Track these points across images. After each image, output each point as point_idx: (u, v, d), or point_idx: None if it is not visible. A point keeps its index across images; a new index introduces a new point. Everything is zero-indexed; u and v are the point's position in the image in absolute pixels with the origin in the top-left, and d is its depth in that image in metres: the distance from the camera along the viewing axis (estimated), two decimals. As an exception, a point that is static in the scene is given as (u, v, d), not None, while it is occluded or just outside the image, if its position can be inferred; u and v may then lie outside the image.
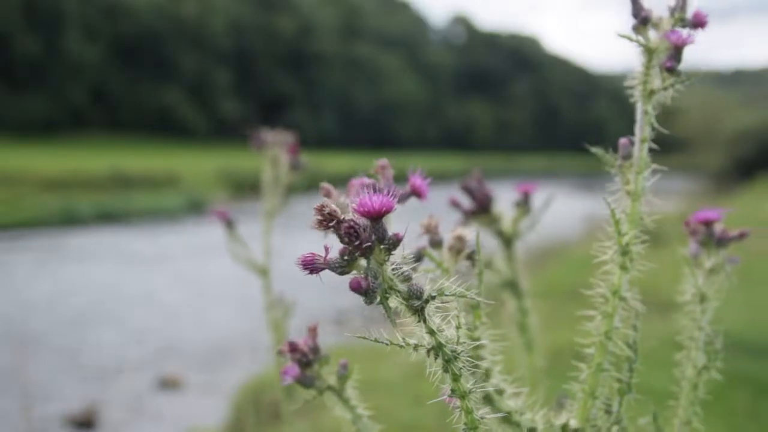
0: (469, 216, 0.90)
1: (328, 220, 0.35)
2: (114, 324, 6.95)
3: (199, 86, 43.05)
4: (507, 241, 0.93)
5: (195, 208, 17.58)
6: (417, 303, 0.40)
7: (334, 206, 0.35)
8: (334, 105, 50.38)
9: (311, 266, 0.36)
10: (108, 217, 15.22)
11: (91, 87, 38.16)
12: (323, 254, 0.37)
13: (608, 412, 0.72)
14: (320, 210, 0.35)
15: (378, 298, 0.38)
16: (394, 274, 0.38)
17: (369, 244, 0.35)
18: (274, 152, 1.10)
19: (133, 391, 5.02)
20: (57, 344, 6.13)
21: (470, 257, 0.68)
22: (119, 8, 39.44)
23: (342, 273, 0.37)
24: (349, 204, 0.38)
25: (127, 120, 40.28)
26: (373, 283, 0.37)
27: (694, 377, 0.70)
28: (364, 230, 0.35)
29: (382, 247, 0.36)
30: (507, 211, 0.90)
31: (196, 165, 24.11)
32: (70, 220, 14.29)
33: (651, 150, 0.57)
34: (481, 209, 0.86)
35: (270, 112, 44.69)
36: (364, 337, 0.40)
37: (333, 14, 53.12)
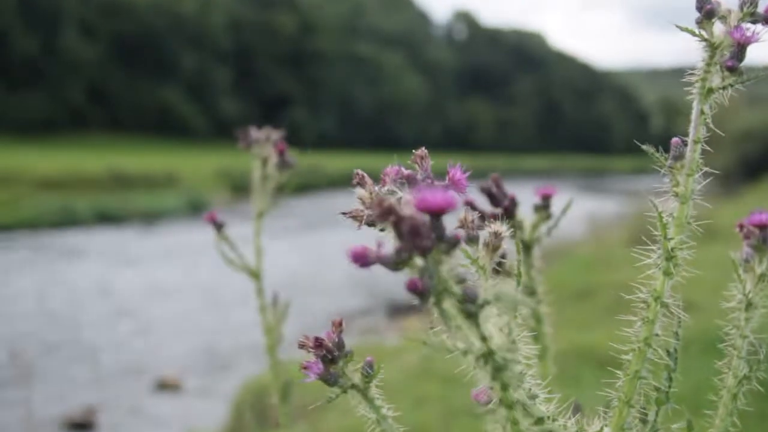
0: (490, 219, 0.87)
1: (387, 214, 0.32)
2: (112, 325, 6.91)
3: (199, 85, 43.04)
4: (526, 246, 0.90)
5: (194, 209, 17.53)
6: (472, 307, 0.37)
7: (393, 199, 0.33)
8: (334, 104, 50.32)
9: (362, 260, 0.34)
10: (106, 217, 15.17)
11: (90, 86, 38.12)
12: (375, 248, 0.34)
13: (644, 421, 0.69)
14: (379, 204, 0.32)
15: (432, 300, 0.36)
16: (449, 275, 0.36)
17: (430, 242, 0.32)
18: (263, 150, 1.08)
19: (132, 393, 4.98)
20: (55, 345, 6.09)
21: (502, 256, 0.65)
22: (118, 6, 39.39)
23: (395, 270, 0.35)
24: (399, 196, 0.36)
25: (126, 119, 40.25)
26: (429, 284, 0.34)
27: (734, 387, 0.67)
28: (426, 227, 0.32)
29: (440, 246, 0.34)
30: (525, 215, 0.87)
31: (196, 165, 24.07)
32: (68, 220, 14.23)
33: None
34: (507, 214, 0.82)
35: (270, 111, 44.66)
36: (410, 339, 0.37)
37: (334, 12, 52.95)
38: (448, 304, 0.36)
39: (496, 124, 63.06)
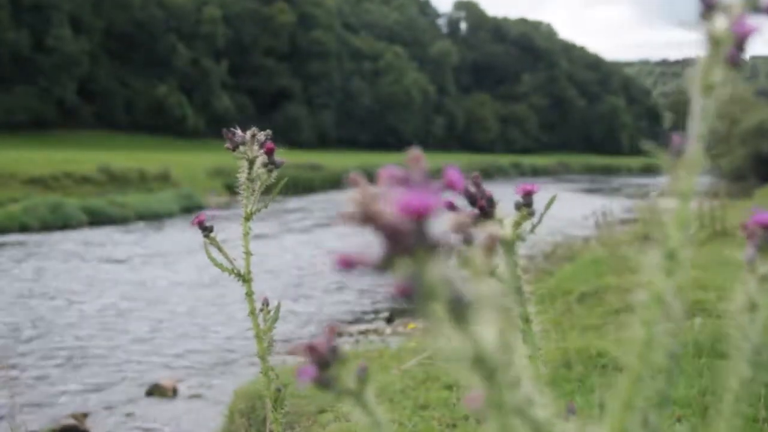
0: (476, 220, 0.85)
1: (369, 218, 0.31)
2: (104, 328, 6.85)
3: (193, 81, 42.70)
4: (508, 246, 0.89)
5: (189, 207, 17.45)
6: (458, 309, 0.36)
7: (376, 203, 0.32)
8: (333, 100, 49.85)
9: (347, 264, 0.33)
10: (98, 216, 15.07)
11: (81, 82, 37.74)
12: (359, 252, 0.34)
13: (644, 424, 0.68)
14: (361, 206, 0.32)
15: (419, 302, 0.35)
16: (435, 278, 0.35)
17: (412, 245, 0.32)
18: (250, 151, 1.07)
19: (125, 398, 4.92)
20: (46, 349, 6.03)
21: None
22: None
23: (380, 272, 0.34)
24: (382, 197, 0.35)
25: (118, 116, 39.94)
26: (415, 286, 0.34)
27: (738, 389, 0.65)
28: (408, 230, 0.32)
29: (424, 248, 0.33)
30: (510, 214, 0.86)
31: (190, 162, 23.95)
32: (58, 219, 14.12)
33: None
34: (483, 213, 0.81)
35: (267, 107, 44.42)
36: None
37: (332, 3, 52.15)
38: (436, 306, 0.36)
39: (500, 120, 62.08)
